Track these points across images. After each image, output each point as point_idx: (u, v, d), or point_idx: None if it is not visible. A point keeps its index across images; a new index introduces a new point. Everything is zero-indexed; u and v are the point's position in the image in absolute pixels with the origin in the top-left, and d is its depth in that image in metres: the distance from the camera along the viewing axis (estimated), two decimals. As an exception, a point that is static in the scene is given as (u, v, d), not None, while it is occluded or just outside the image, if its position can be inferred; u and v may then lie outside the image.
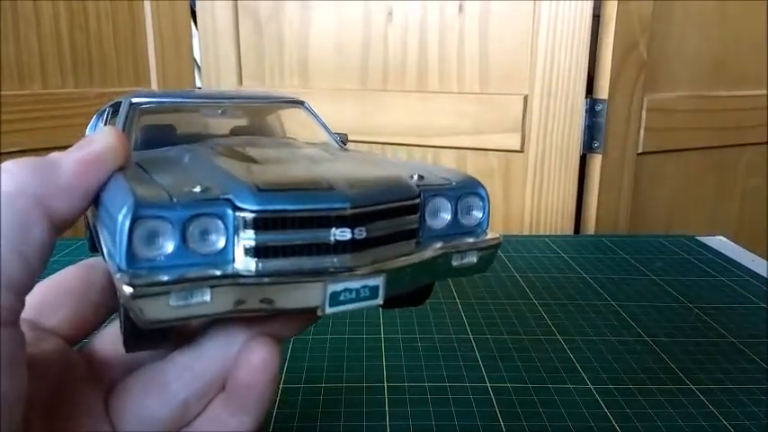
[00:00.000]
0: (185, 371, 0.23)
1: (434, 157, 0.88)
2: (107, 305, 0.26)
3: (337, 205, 0.20)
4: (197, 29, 0.98)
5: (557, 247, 0.66)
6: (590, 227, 0.84)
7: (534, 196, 0.84)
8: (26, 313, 0.19)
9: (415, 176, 0.24)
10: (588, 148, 0.82)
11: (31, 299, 0.19)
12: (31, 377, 0.19)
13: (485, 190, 0.25)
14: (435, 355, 0.41)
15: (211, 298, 0.19)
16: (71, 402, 0.23)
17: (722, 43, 0.87)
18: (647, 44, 0.80)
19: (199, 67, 1.01)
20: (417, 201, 0.23)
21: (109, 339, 0.25)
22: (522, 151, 0.83)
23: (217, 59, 0.98)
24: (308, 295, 0.20)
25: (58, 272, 0.25)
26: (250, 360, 0.22)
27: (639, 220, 0.87)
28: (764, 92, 0.91)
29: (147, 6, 0.92)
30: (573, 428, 0.34)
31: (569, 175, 0.82)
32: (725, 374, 0.40)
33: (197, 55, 1.00)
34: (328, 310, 0.21)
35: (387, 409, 0.35)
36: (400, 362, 0.41)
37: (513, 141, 0.83)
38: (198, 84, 1.01)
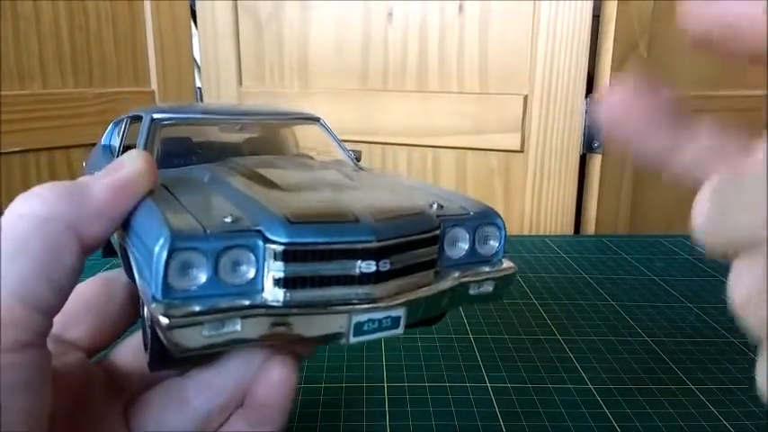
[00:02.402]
0: (206, 387, 0.23)
1: (434, 157, 0.88)
2: (126, 318, 0.26)
3: (363, 238, 0.21)
4: (197, 29, 0.98)
5: (557, 247, 0.66)
6: (590, 227, 0.84)
7: (534, 196, 0.84)
8: None
9: (435, 206, 0.24)
10: (588, 148, 0.82)
11: None
12: (54, 390, 0.20)
13: (501, 220, 0.25)
14: (435, 355, 0.41)
15: (242, 327, 0.19)
16: (91, 414, 0.23)
17: (722, 43, 0.87)
18: (647, 44, 0.80)
19: (199, 67, 1.01)
20: (438, 232, 0.23)
21: (128, 351, 0.25)
22: (522, 151, 0.83)
23: (217, 59, 0.98)
24: (333, 325, 0.21)
25: (78, 285, 0.25)
26: (269, 378, 0.23)
27: (639, 220, 0.87)
28: (764, 92, 0.91)
29: (147, 6, 0.92)
30: (573, 428, 0.34)
31: (569, 176, 0.82)
32: (725, 374, 0.40)
33: (197, 55, 1.00)
34: (352, 340, 0.21)
35: (387, 409, 0.35)
36: (400, 362, 0.41)
37: (513, 141, 0.83)
38: (198, 84, 1.01)
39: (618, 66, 0.79)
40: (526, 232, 0.85)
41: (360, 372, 0.39)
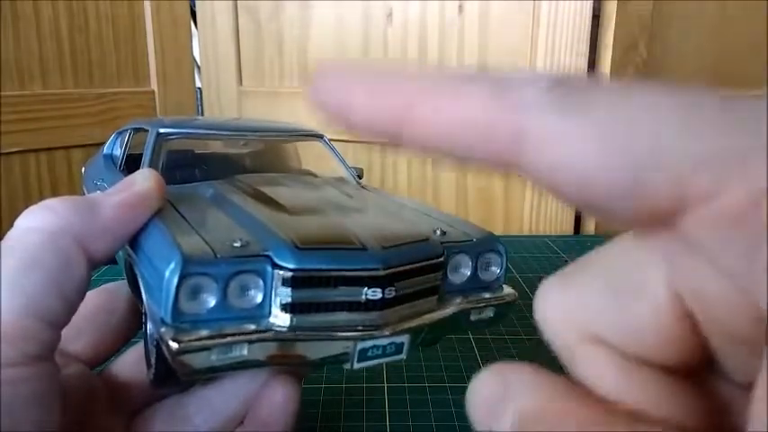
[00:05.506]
0: (206, 405, 0.24)
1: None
2: (128, 331, 0.26)
3: (370, 266, 0.21)
4: (197, 29, 0.98)
5: (557, 248, 0.66)
6: (590, 227, 0.84)
7: (534, 196, 0.84)
8: None
9: (438, 232, 0.24)
10: (588, 148, 0.81)
11: None
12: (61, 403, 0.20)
13: (503, 246, 0.26)
14: (435, 356, 0.41)
15: (249, 351, 0.19)
16: (96, 428, 0.23)
17: (722, 44, 0.87)
18: (647, 44, 0.80)
19: (199, 67, 1.01)
20: (442, 259, 0.23)
21: (127, 365, 0.25)
22: (522, 151, 0.83)
23: (217, 59, 0.98)
24: (338, 350, 0.21)
25: None
26: (272, 398, 0.23)
27: (639, 221, 0.87)
28: (764, 92, 0.91)
29: (147, 6, 0.92)
30: (573, 429, 0.34)
31: (569, 176, 0.82)
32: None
33: (197, 55, 1.00)
34: (356, 365, 0.21)
35: (387, 409, 0.35)
36: (400, 362, 0.41)
37: (513, 141, 0.83)
38: (198, 84, 1.01)
39: (618, 66, 0.79)
40: (526, 232, 0.85)
41: (360, 372, 0.39)
